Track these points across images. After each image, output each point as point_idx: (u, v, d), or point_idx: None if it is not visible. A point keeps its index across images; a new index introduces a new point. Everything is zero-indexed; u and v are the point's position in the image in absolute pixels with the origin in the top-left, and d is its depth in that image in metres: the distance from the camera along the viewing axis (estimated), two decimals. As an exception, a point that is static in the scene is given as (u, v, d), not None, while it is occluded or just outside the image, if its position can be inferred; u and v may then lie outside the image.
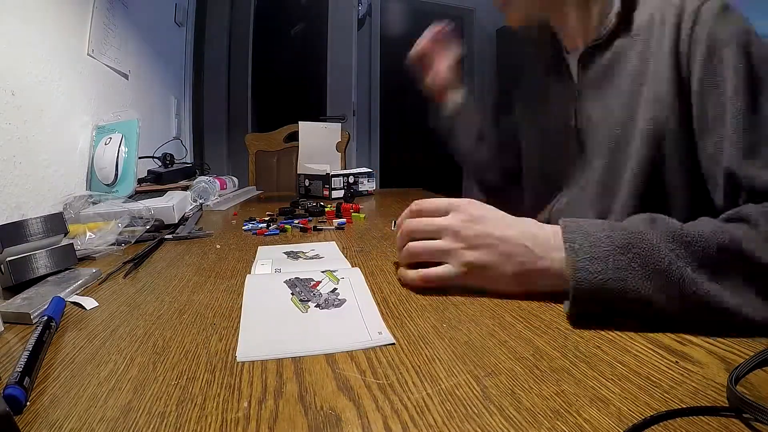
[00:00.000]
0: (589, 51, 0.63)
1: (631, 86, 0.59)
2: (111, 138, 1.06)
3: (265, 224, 0.87)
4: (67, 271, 0.56)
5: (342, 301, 0.44)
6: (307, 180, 1.38)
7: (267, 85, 2.88)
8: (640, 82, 0.58)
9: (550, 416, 0.26)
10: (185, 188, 1.15)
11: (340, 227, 0.84)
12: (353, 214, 0.95)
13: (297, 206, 1.07)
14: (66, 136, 1.01)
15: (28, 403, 0.28)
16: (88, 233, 0.69)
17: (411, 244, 0.48)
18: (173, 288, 0.51)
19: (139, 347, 0.36)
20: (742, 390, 0.27)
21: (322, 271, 0.52)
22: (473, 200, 0.48)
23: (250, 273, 0.55)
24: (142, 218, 0.80)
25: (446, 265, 0.46)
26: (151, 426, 0.26)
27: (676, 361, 0.32)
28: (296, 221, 0.88)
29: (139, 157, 1.09)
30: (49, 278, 0.53)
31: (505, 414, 0.26)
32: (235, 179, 1.52)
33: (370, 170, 1.45)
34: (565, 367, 0.31)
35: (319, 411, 0.27)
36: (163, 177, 1.21)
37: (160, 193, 1.03)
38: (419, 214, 0.50)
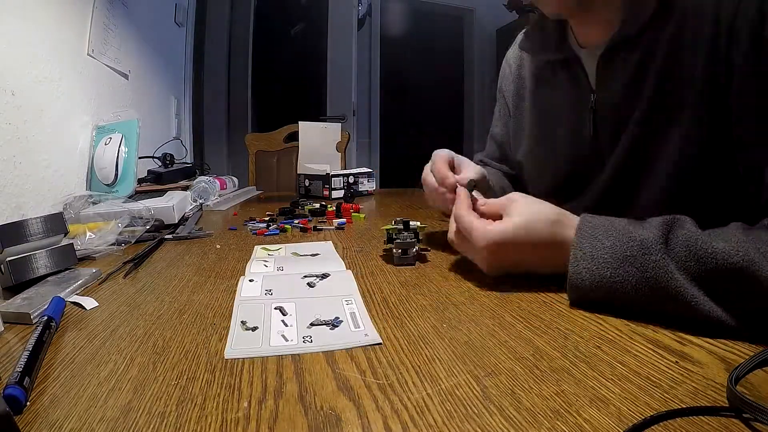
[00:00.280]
0: (613, 49, 0.58)
1: (661, 92, 0.54)
2: (111, 138, 1.06)
3: (265, 224, 0.87)
4: (67, 271, 0.56)
5: (339, 322, 0.41)
6: (307, 180, 1.38)
7: (267, 85, 2.88)
8: (670, 87, 0.53)
9: (550, 416, 0.26)
10: (185, 188, 1.15)
11: (340, 227, 0.84)
12: (353, 214, 0.95)
13: (297, 206, 1.07)
14: (66, 136, 1.01)
15: (28, 403, 0.28)
16: (88, 233, 0.69)
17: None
18: (173, 288, 0.51)
19: (139, 347, 0.36)
20: (741, 390, 0.27)
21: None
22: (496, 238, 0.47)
23: (244, 274, 0.55)
24: (142, 218, 0.80)
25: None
26: (151, 426, 0.26)
27: (676, 361, 0.32)
28: (296, 221, 0.88)
29: (139, 157, 1.09)
30: (49, 278, 0.53)
31: (505, 414, 0.26)
32: (235, 179, 1.52)
33: (370, 170, 1.45)
34: (565, 367, 0.31)
35: (319, 411, 0.27)
36: (163, 177, 1.21)
37: (160, 193, 1.03)
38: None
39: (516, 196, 0.50)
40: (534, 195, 0.51)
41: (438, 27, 3.49)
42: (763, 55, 0.46)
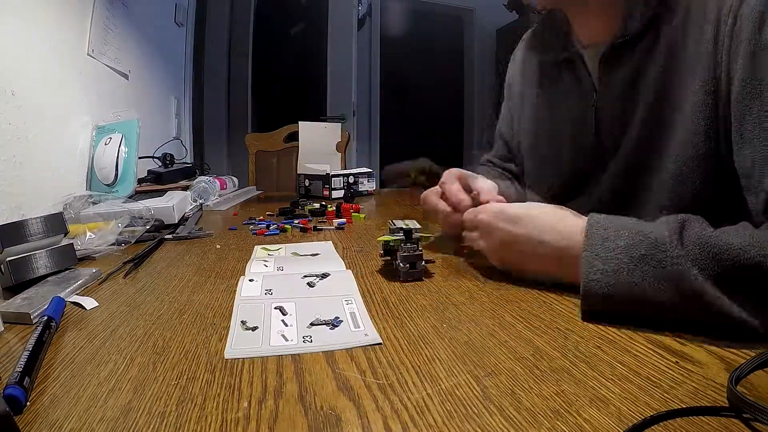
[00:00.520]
0: (614, 48, 0.58)
1: (662, 91, 0.55)
2: (111, 138, 1.06)
3: (265, 224, 0.86)
4: (67, 271, 0.56)
5: (339, 322, 0.40)
6: (307, 180, 1.38)
7: (267, 85, 2.88)
8: (671, 87, 0.54)
9: (550, 416, 0.26)
10: (185, 188, 1.15)
11: (340, 227, 0.84)
12: (353, 214, 0.95)
13: (297, 206, 1.07)
14: (66, 136, 1.01)
15: (28, 403, 0.28)
16: (88, 233, 0.69)
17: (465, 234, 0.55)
18: (173, 288, 0.51)
19: (139, 347, 0.36)
20: (741, 390, 0.27)
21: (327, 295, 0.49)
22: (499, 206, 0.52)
23: (244, 274, 0.55)
24: (142, 218, 0.80)
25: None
26: (151, 426, 0.26)
27: (676, 361, 0.32)
28: (296, 221, 0.88)
29: (139, 157, 1.09)
30: (49, 278, 0.53)
31: (505, 414, 0.26)
32: (235, 179, 1.52)
33: (370, 170, 1.45)
34: (565, 367, 0.31)
35: (319, 411, 0.27)
36: (163, 177, 1.21)
37: (160, 193, 1.03)
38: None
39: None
40: (536, 193, 0.52)
41: (438, 27, 3.49)
42: (762, 57, 0.46)
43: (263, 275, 0.54)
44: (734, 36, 0.48)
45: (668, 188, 0.55)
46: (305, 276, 0.53)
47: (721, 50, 0.49)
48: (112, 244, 0.69)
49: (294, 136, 1.85)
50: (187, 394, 0.29)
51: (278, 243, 0.72)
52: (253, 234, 0.79)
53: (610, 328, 0.38)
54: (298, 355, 0.34)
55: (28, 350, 0.32)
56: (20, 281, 0.51)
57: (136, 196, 1.01)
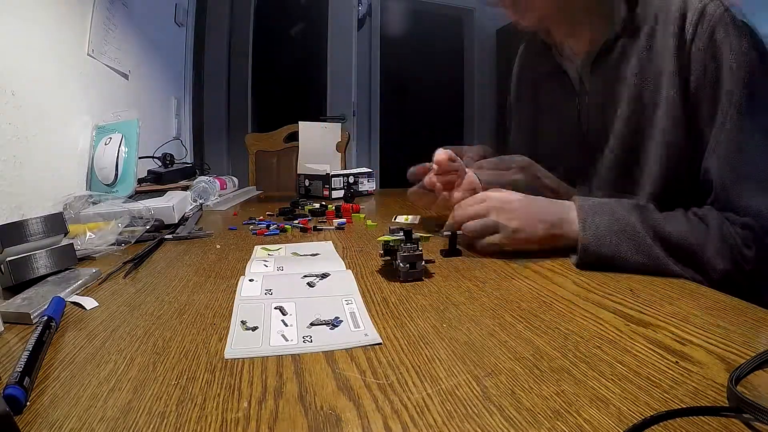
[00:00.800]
0: (594, 57, 0.65)
1: (639, 89, 0.61)
2: (111, 138, 1.06)
3: (265, 224, 0.86)
4: (67, 271, 0.56)
5: (339, 322, 0.41)
6: (307, 180, 1.38)
7: (267, 85, 2.88)
8: (647, 85, 0.60)
9: (550, 416, 0.26)
10: (185, 188, 1.15)
11: (340, 227, 0.84)
12: (353, 214, 0.95)
13: (297, 206, 1.07)
14: (66, 136, 1.01)
15: (28, 403, 0.28)
16: (88, 233, 0.69)
17: (468, 223, 0.60)
18: (173, 288, 0.51)
19: (139, 347, 0.36)
20: (741, 390, 0.27)
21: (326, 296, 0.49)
22: (501, 190, 0.61)
23: (244, 274, 0.55)
24: (142, 218, 0.80)
25: (497, 235, 0.59)
26: (151, 426, 0.26)
27: (676, 361, 0.32)
28: (296, 221, 0.88)
29: (139, 157, 1.09)
30: (49, 278, 0.53)
31: (505, 414, 0.26)
32: (235, 179, 1.52)
33: (370, 170, 1.45)
34: (565, 367, 0.31)
35: (319, 411, 0.27)
36: (163, 177, 1.21)
37: (160, 193, 1.03)
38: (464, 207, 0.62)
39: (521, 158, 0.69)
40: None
41: (438, 27, 3.49)
42: (715, 53, 0.55)
43: (263, 275, 0.54)
44: (696, 36, 0.56)
45: (655, 182, 0.62)
46: (305, 276, 0.53)
47: (682, 53, 0.57)
48: (112, 244, 0.69)
49: (294, 136, 1.85)
50: (187, 394, 0.29)
51: (278, 243, 0.72)
52: (253, 234, 0.79)
53: (610, 328, 0.38)
54: (298, 355, 0.34)
55: (28, 350, 0.32)
56: (20, 281, 0.51)
57: (136, 196, 1.01)
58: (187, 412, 0.27)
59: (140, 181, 1.16)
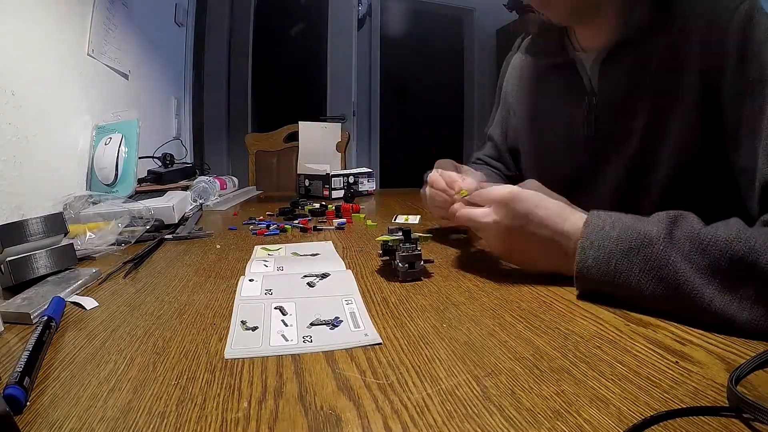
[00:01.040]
0: (613, 53, 0.60)
1: (658, 94, 0.57)
2: (111, 138, 1.06)
3: (265, 224, 0.86)
4: (67, 271, 0.56)
5: (339, 322, 0.40)
6: (307, 180, 1.38)
7: (267, 85, 2.88)
8: (667, 90, 0.56)
9: (550, 416, 0.26)
10: (185, 188, 1.15)
11: (340, 227, 0.84)
12: (353, 214, 0.95)
13: (297, 206, 1.07)
14: (66, 136, 1.01)
15: (28, 403, 0.28)
16: (88, 233, 0.69)
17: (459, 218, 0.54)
18: (173, 288, 0.51)
19: (139, 347, 0.36)
20: (741, 390, 0.27)
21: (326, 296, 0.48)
22: (516, 197, 0.49)
23: (244, 274, 0.55)
24: (142, 218, 0.80)
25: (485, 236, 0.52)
26: (151, 426, 0.26)
27: (676, 361, 0.32)
28: (296, 221, 0.88)
29: (139, 157, 1.09)
30: (49, 278, 0.53)
31: (505, 414, 0.26)
32: (235, 179, 1.52)
33: (370, 170, 1.45)
34: (565, 367, 0.31)
35: (319, 411, 0.27)
36: (163, 177, 1.21)
37: (160, 193, 1.03)
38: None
39: (531, 181, 0.54)
40: None
41: (438, 27, 3.49)
42: (751, 61, 0.48)
43: (263, 275, 0.54)
44: (725, 41, 0.50)
45: (666, 189, 0.57)
46: (305, 276, 0.53)
47: (713, 54, 0.51)
48: (112, 244, 0.69)
49: (294, 136, 1.85)
50: (187, 394, 0.29)
51: (278, 243, 0.72)
52: (253, 234, 0.79)
53: (610, 328, 0.38)
54: (298, 355, 0.34)
55: (28, 350, 0.32)
56: (20, 281, 0.51)
57: (136, 196, 1.01)
58: (187, 412, 0.27)
59: (140, 181, 1.16)
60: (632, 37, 0.58)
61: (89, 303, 0.45)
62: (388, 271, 0.54)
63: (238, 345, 0.36)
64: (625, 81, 0.60)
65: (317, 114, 2.78)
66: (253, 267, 0.57)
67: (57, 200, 0.86)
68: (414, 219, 0.74)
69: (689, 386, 0.29)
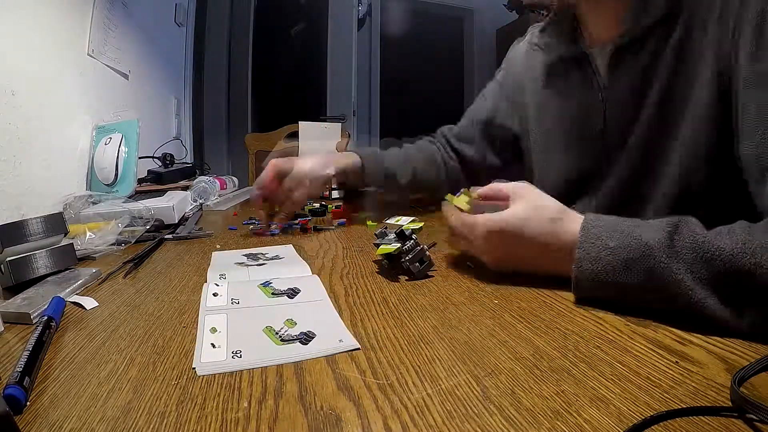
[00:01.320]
0: (624, 47, 0.59)
1: (669, 89, 0.56)
2: (111, 138, 1.06)
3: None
4: (67, 271, 0.56)
5: (310, 337, 0.38)
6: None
7: (267, 85, 2.88)
8: (679, 85, 0.55)
9: (550, 416, 0.26)
10: (185, 188, 1.15)
11: (340, 227, 0.84)
12: (353, 214, 0.95)
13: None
14: (66, 136, 1.01)
15: (28, 403, 0.28)
16: (88, 233, 0.69)
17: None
18: (173, 288, 0.51)
19: (139, 347, 0.36)
20: (743, 391, 0.27)
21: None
22: (502, 224, 0.48)
23: (206, 281, 0.52)
24: (142, 218, 0.80)
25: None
26: (151, 426, 0.26)
27: (676, 361, 0.32)
28: (296, 221, 0.88)
29: (139, 157, 1.09)
30: (49, 278, 0.53)
31: (505, 414, 0.26)
32: (235, 179, 1.52)
33: (370, 170, 1.44)
34: (565, 367, 0.31)
35: (319, 411, 0.27)
36: (163, 177, 1.21)
37: (160, 193, 1.03)
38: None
39: (523, 186, 0.51)
40: (543, 189, 0.51)
41: (438, 27, 3.49)
42: (765, 50, 0.47)
43: (228, 282, 0.51)
44: (739, 32, 0.49)
45: (675, 184, 0.56)
46: (274, 293, 0.47)
47: (725, 47, 0.50)
48: (112, 244, 0.69)
49: (294, 136, 1.84)
50: (187, 394, 0.29)
51: (237, 248, 0.72)
52: (253, 234, 0.79)
53: (610, 328, 0.38)
54: (260, 366, 0.33)
55: (28, 350, 0.32)
56: (20, 281, 0.51)
57: (136, 196, 1.01)
58: (187, 412, 0.27)
59: (140, 181, 1.16)
60: (641, 32, 0.57)
61: (89, 303, 0.45)
62: (389, 271, 0.54)
63: (207, 359, 0.34)
64: (635, 75, 0.59)
65: (317, 114, 2.78)
66: (210, 277, 0.54)
67: (57, 200, 0.86)
68: (405, 219, 0.72)
69: (689, 386, 0.29)
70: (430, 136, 0.97)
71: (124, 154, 1.05)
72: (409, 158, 0.91)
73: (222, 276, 0.53)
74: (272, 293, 0.47)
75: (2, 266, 0.51)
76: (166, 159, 1.33)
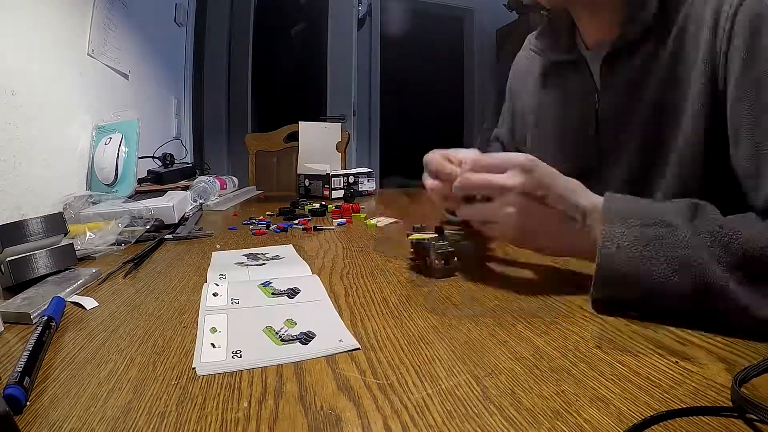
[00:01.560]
0: (616, 52, 0.59)
1: (662, 95, 0.56)
2: (111, 138, 1.06)
3: (265, 224, 0.86)
4: (67, 271, 0.56)
5: (311, 337, 0.38)
6: (307, 180, 1.38)
7: (267, 85, 2.88)
8: (671, 91, 0.55)
9: (550, 416, 0.26)
10: (185, 188, 1.15)
11: (340, 227, 0.84)
12: (353, 214, 0.95)
13: (297, 206, 1.07)
14: (66, 136, 1.01)
15: (28, 403, 0.28)
16: (88, 233, 0.69)
17: (464, 208, 0.49)
18: (173, 288, 0.51)
19: (139, 347, 0.36)
20: (743, 391, 0.27)
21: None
22: (539, 165, 0.46)
23: (206, 281, 0.52)
24: (142, 218, 0.80)
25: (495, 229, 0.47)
26: (151, 426, 0.26)
27: (676, 361, 0.32)
28: (296, 221, 0.88)
29: (139, 157, 1.09)
30: (49, 278, 0.53)
31: (505, 414, 0.26)
32: (235, 179, 1.52)
33: (370, 170, 1.45)
34: (565, 367, 0.31)
35: (319, 411, 0.27)
36: (163, 177, 1.21)
37: (160, 193, 1.03)
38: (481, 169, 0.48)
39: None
40: None
41: (438, 27, 3.49)
42: (757, 58, 0.48)
43: (228, 282, 0.51)
44: (731, 39, 0.50)
45: (670, 189, 0.57)
46: (274, 293, 0.47)
47: (718, 53, 0.51)
48: (112, 244, 0.69)
49: (294, 136, 1.84)
50: (187, 394, 0.29)
51: (237, 248, 0.72)
52: (253, 234, 0.79)
53: (610, 328, 0.38)
54: (260, 366, 0.33)
55: (28, 350, 0.32)
56: (20, 281, 0.51)
57: (136, 196, 1.01)
58: (187, 412, 0.27)
59: (140, 181, 1.16)
60: (634, 37, 0.58)
61: (89, 303, 0.45)
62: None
63: (207, 359, 0.34)
64: (628, 80, 0.59)
65: (317, 114, 2.78)
66: (210, 275, 0.54)
67: (57, 200, 0.86)
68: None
69: (689, 386, 0.29)
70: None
71: (124, 154, 1.05)
72: None
73: (222, 276, 0.53)
74: (272, 293, 0.47)
75: (2, 266, 0.51)
76: (166, 159, 1.33)
